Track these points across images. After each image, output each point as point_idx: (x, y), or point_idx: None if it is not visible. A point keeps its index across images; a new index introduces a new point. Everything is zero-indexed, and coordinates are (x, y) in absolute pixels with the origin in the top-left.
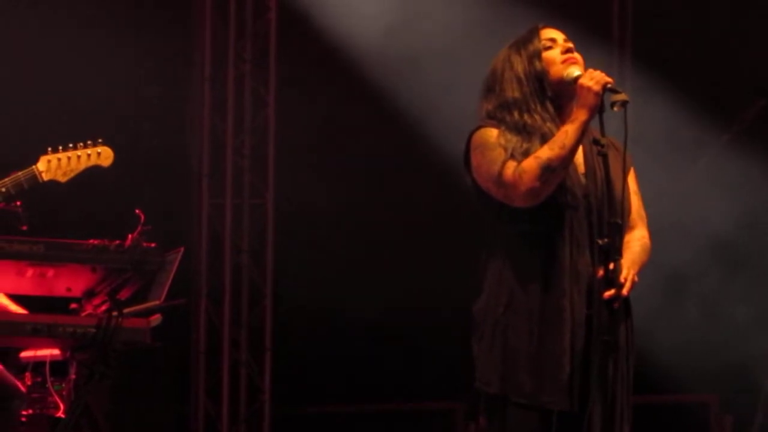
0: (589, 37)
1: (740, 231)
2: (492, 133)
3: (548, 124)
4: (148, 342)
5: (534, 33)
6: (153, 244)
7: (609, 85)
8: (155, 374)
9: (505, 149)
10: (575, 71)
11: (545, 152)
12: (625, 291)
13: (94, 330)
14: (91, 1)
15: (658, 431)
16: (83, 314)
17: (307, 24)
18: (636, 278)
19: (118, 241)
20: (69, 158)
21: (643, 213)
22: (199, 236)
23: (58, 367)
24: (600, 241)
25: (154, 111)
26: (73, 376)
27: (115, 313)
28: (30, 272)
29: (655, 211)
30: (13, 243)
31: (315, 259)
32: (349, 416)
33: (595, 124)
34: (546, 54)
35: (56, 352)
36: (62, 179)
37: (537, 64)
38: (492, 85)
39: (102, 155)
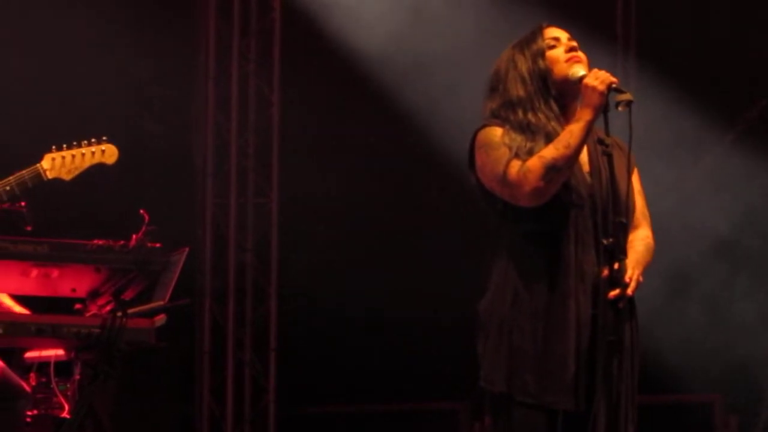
0: (593, 36)
1: (744, 230)
2: (496, 132)
3: (552, 122)
4: (153, 342)
5: (538, 32)
6: (157, 245)
7: (614, 85)
8: (160, 374)
9: (510, 148)
10: (579, 70)
11: (550, 152)
12: (629, 291)
13: (98, 330)
14: (96, 2)
15: (662, 431)
16: (87, 314)
17: (311, 22)
18: (641, 278)
19: (122, 242)
20: (73, 156)
21: (646, 213)
22: (204, 236)
23: (62, 368)
24: (605, 241)
25: (157, 110)
26: (77, 377)
27: (119, 314)
28: (34, 273)
29: (659, 211)
30: (18, 243)
31: (319, 259)
32: (353, 416)
33: (599, 124)
34: (550, 53)
35: (61, 352)
36: (67, 177)
37: (541, 62)
38: (496, 85)
39: (106, 153)
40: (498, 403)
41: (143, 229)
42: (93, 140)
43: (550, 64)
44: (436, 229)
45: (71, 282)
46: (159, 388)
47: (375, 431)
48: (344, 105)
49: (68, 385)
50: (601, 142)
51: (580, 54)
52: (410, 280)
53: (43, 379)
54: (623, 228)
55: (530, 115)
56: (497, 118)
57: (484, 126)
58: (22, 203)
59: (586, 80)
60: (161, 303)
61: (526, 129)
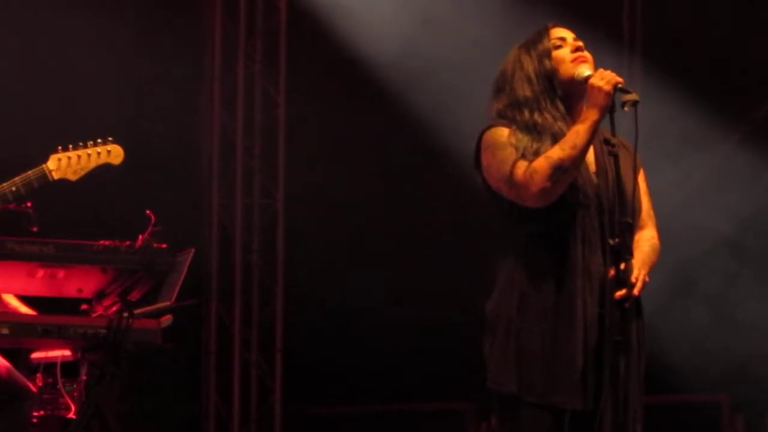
0: (600, 36)
1: (750, 229)
2: (503, 133)
3: (558, 122)
4: (159, 343)
5: (543, 32)
6: (164, 245)
7: (620, 85)
8: (166, 375)
9: (516, 149)
10: (585, 70)
11: (556, 152)
12: (636, 291)
13: (104, 331)
14: (102, 1)
15: (669, 431)
16: (94, 315)
17: (316, 23)
18: (647, 278)
19: (128, 242)
20: (79, 157)
21: (652, 213)
22: (210, 236)
23: (69, 368)
24: (611, 241)
25: (163, 111)
26: (83, 377)
27: (125, 314)
28: (40, 273)
29: (665, 210)
30: (24, 244)
31: (325, 259)
32: (359, 416)
33: (605, 124)
34: (556, 53)
35: (67, 353)
36: (73, 178)
37: (547, 62)
38: (502, 85)
39: (112, 153)
40: (505, 404)
41: (149, 229)
42: (99, 141)
43: (556, 64)
44: (442, 229)
45: (77, 283)
46: (165, 388)
47: (380, 431)
48: (350, 105)
49: (75, 386)
50: (607, 142)
51: (586, 54)
52: (416, 281)
53: (50, 380)
54: (629, 228)
55: (536, 116)
56: (503, 118)
57: (490, 126)
58: (28, 204)
59: (592, 80)
60: (167, 303)
61: (532, 129)
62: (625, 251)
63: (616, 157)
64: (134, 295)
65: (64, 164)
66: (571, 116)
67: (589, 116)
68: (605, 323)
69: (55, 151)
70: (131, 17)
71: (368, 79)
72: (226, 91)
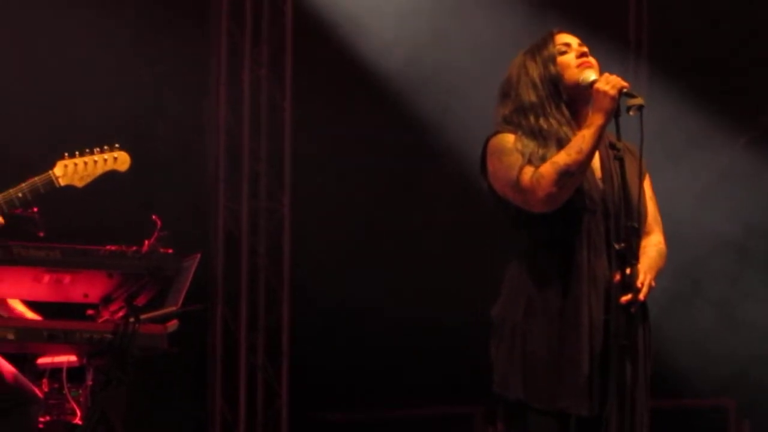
0: (605, 41)
1: (756, 232)
2: (509, 139)
3: (564, 127)
4: (165, 347)
5: (549, 38)
6: (170, 250)
7: (625, 90)
8: (172, 380)
9: (523, 154)
10: (591, 75)
11: (562, 157)
12: (641, 296)
13: (110, 336)
14: (108, 6)
15: None
16: (100, 320)
17: (322, 28)
18: (653, 283)
19: (135, 247)
20: (86, 163)
21: (658, 218)
22: (216, 240)
23: (74, 374)
24: (617, 246)
25: (170, 116)
26: (89, 383)
27: (132, 319)
28: (47, 278)
29: (671, 213)
30: (30, 249)
31: (332, 263)
32: (366, 420)
33: (611, 128)
34: (561, 58)
35: (73, 358)
36: (79, 184)
37: (552, 68)
38: (508, 91)
39: (119, 160)
40: (511, 409)
41: (155, 234)
42: (105, 147)
43: (561, 69)
44: (450, 232)
45: (84, 288)
46: (171, 393)
47: None
48: (355, 109)
49: (80, 391)
50: (612, 146)
51: (591, 59)
52: (423, 284)
53: (56, 385)
54: (635, 232)
55: (542, 121)
56: (509, 124)
57: (496, 132)
58: (35, 209)
59: (598, 85)
60: (174, 308)
61: (538, 135)
62: (630, 256)
63: (621, 161)
64: (140, 300)
65: (71, 171)
66: (577, 121)
67: (595, 121)
68: (611, 328)
69: (62, 158)
70: (137, 23)
71: (373, 84)
72: (232, 95)
